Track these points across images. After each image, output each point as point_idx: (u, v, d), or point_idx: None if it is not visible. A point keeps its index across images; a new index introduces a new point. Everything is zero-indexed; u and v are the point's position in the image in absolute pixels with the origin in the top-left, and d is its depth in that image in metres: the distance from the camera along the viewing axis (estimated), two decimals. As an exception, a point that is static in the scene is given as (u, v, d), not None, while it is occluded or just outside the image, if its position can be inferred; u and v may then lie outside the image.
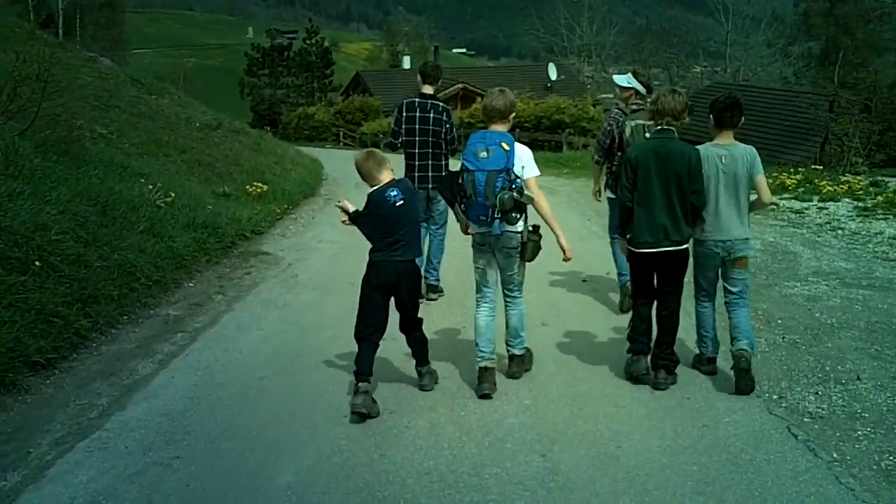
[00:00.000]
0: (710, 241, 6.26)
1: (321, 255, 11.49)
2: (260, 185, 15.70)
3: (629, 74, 8.27)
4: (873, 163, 19.30)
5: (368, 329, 6.05)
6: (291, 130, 55.33)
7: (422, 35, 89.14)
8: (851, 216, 13.37)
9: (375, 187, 6.01)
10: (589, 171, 14.22)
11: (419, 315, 6.36)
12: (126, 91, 22.31)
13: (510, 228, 6.00)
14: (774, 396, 6.00)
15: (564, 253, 6.27)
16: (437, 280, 9.08)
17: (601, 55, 73.25)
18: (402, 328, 6.31)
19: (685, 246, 6.24)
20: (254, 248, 11.87)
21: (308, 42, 69.76)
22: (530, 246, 6.13)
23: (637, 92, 8.06)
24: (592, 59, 73.65)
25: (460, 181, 5.98)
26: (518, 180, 5.92)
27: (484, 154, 5.86)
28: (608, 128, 8.30)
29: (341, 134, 49.59)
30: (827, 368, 6.52)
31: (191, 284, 9.75)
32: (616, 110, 8.39)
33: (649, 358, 6.32)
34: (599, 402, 6.01)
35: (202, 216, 11.81)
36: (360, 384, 5.85)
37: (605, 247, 9.41)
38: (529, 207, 6.06)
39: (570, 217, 13.06)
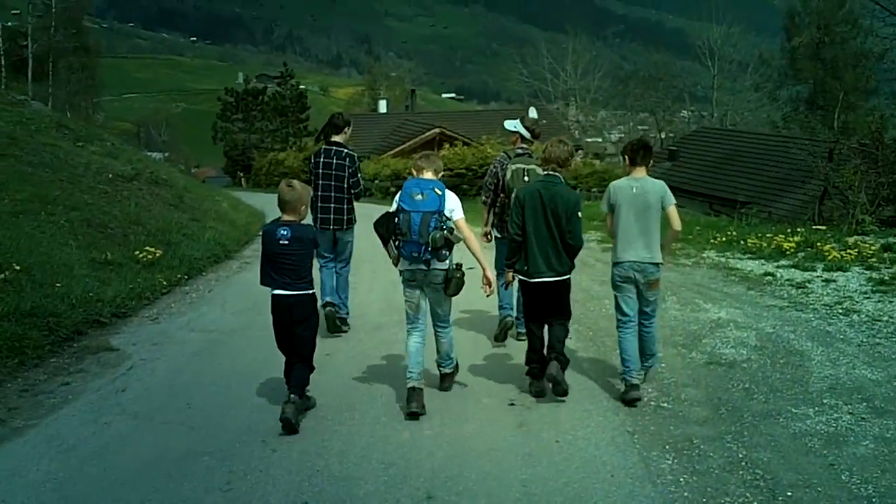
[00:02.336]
0: (626, 263, 6.93)
1: (179, 353, 8.74)
2: (152, 249, 13.00)
3: (518, 120, 8.59)
4: (881, 220, 16.65)
5: (285, 354, 6.70)
6: (262, 176, 52.82)
7: (403, 79, 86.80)
8: (866, 293, 10.69)
9: (273, 221, 6.61)
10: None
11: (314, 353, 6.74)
12: (40, 137, 19.69)
13: (438, 266, 6.62)
14: None
15: (489, 286, 6.91)
16: (347, 314, 9.56)
17: (586, 99, 71.03)
18: (294, 353, 6.64)
19: (567, 276, 7.04)
20: (100, 340, 9.13)
21: (283, 86, 67.29)
22: (454, 282, 6.72)
23: (522, 137, 8.50)
24: (578, 104, 71.50)
25: (396, 221, 6.58)
26: (448, 222, 6.61)
27: (419, 197, 6.54)
28: (494, 170, 8.67)
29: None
30: None
31: (-21, 404, 7.05)
32: (503, 154, 8.78)
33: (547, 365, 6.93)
34: None
35: (40, 298, 9.20)
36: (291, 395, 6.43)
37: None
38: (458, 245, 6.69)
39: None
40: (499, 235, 8.66)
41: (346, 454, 5.85)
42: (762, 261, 13.18)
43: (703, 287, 11.42)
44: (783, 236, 14.40)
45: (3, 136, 17.95)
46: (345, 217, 9.26)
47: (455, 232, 6.65)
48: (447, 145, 35.96)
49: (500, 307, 8.91)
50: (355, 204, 9.50)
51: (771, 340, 8.61)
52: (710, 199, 30.67)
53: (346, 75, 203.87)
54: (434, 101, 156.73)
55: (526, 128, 8.45)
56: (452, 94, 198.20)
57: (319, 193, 9.12)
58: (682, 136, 49.80)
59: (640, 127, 72.77)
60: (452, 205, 6.69)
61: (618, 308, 7.12)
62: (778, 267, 12.58)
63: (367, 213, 9.45)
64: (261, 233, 6.71)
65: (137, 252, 12.81)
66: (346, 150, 9.16)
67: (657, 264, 6.95)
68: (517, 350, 8.19)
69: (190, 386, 7.56)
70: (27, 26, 69.24)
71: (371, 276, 12.77)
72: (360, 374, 7.79)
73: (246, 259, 15.49)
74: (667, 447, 5.88)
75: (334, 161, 9.09)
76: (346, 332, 9.39)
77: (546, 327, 7.13)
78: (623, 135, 72.95)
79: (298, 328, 6.53)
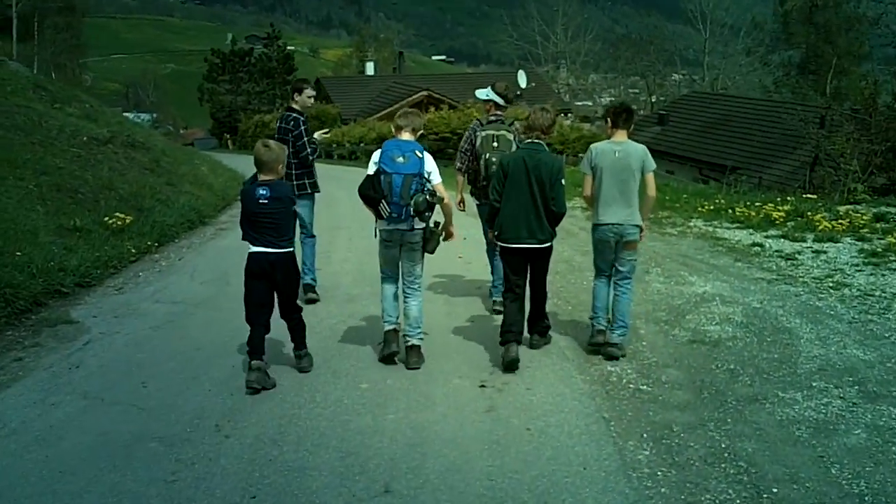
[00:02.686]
0: (605, 226, 7.04)
1: (140, 327, 8.30)
2: (122, 215, 12.57)
3: (489, 88, 8.50)
4: (873, 188, 16.28)
5: (252, 314, 6.63)
6: (249, 138, 52.16)
7: (391, 41, 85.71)
8: (858, 265, 10.34)
9: (252, 182, 6.61)
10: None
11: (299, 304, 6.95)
12: (14, 99, 19.17)
13: (417, 225, 6.76)
14: None
15: (450, 236, 7.12)
16: (313, 280, 9.27)
17: (576, 62, 70.25)
18: (282, 313, 6.80)
19: (549, 244, 7.06)
20: (60, 312, 8.72)
21: (269, 48, 66.42)
22: (434, 238, 6.92)
23: (496, 104, 8.41)
24: (570, 67, 70.72)
25: (378, 182, 6.60)
26: (428, 184, 6.68)
27: (401, 159, 6.60)
28: (468, 136, 8.62)
29: (297, 143, 46.15)
30: None
31: (-79, 383, 6.66)
32: (476, 121, 8.84)
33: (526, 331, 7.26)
34: None
35: (-1, 267, 8.82)
36: (253, 361, 6.46)
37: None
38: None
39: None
40: (477, 202, 8.69)
41: (303, 441, 5.47)
42: (750, 230, 12.82)
43: (688, 258, 11.06)
44: (772, 205, 14.05)
45: (-24, 98, 17.50)
46: (294, 183, 8.98)
47: (437, 194, 6.74)
48: (433, 108, 35.41)
49: (493, 281, 8.83)
50: (316, 169, 9.35)
51: (758, 316, 8.24)
52: (700, 165, 30.32)
53: (336, 37, 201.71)
54: (424, 64, 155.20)
55: (498, 94, 8.39)
56: (443, 57, 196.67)
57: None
58: (672, 99, 49.34)
59: (631, 90, 72.18)
60: (430, 167, 6.78)
61: (595, 265, 7.39)
62: (767, 237, 12.21)
63: (352, 178, 9.21)
64: (240, 192, 6.84)
65: (107, 218, 12.40)
66: (293, 115, 9.08)
67: (636, 226, 7.05)
68: (493, 322, 7.86)
69: (147, 363, 7.16)
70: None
71: (347, 243, 12.38)
72: (325, 351, 7.38)
73: (221, 224, 15.10)
74: (644, 436, 5.52)
75: (281, 125, 9.11)
76: (316, 300, 9.09)
77: (528, 301, 7.25)
78: (613, 98, 72.36)
79: (282, 286, 6.67)
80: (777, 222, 13.04)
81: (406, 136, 6.89)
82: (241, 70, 65.84)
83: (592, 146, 7.21)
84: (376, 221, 6.83)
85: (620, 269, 7.17)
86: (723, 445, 5.36)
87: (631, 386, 6.47)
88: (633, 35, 72.06)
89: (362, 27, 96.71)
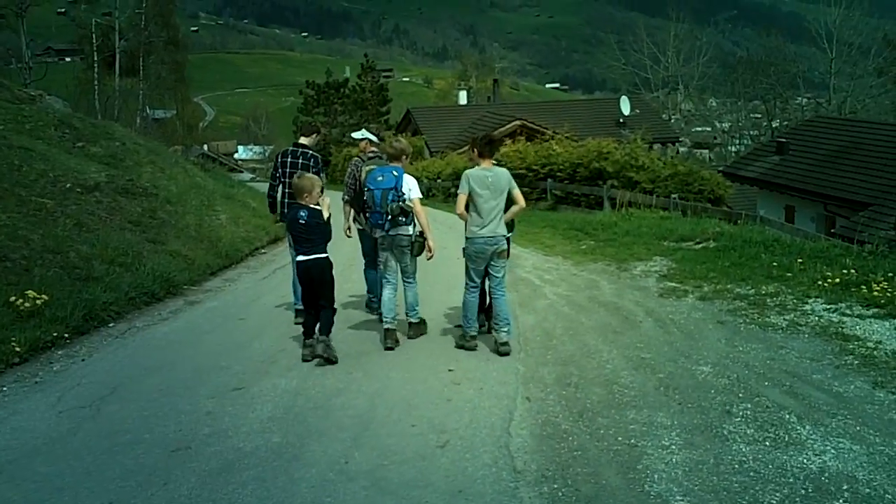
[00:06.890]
0: (482, 239, 8.29)
1: None
2: (34, 294, 9.48)
3: (363, 130, 10.32)
4: None
5: (305, 305, 8.56)
6: (339, 173, 49.62)
7: (494, 69, 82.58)
8: None
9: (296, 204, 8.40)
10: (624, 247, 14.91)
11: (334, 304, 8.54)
12: (16, 139, 16.55)
13: (401, 231, 8.69)
14: None
15: (429, 251, 8.79)
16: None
17: (689, 87, 65.83)
18: (316, 303, 8.39)
19: (507, 236, 8.52)
20: None
21: (363, 78, 64.20)
22: (417, 245, 8.78)
23: (371, 141, 10.02)
24: (685, 92, 66.49)
25: (365, 198, 8.70)
26: (405, 196, 8.54)
27: (380, 178, 8.55)
28: (351, 171, 9.99)
29: (381, 176, 43.24)
30: None
31: None
32: (356, 158, 10.06)
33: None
34: None
35: None
36: (307, 340, 8.35)
37: None
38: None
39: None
40: (360, 227, 10.10)
41: None
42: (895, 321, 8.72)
43: (798, 381, 7.04)
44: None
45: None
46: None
47: (408, 202, 8.56)
48: (517, 139, 31.50)
49: (368, 293, 10.44)
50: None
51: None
52: (825, 200, 26.02)
53: (451, 67, 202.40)
54: (538, 92, 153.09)
55: (373, 133, 10.10)
56: (557, 85, 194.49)
57: (287, 191, 9.85)
58: (795, 124, 44.66)
59: (752, 115, 67.96)
60: (410, 185, 8.68)
61: (469, 276, 8.55)
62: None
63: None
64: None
65: (14, 298, 9.31)
66: (310, 152, 10.17)
67: (505, 236, 8.39)
68: None
69: None
70: (116, 22, 68.47)
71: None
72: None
73: (198, 295, 11.95)
74: None
75: (300, 161, 9.98)
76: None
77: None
78: (731, 124, 68.30)
79: (317, 285, 8.33)
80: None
81: (395, 163, 8.84)
82: (336, 102, 63.91)
83: (467, 172, 8.37)
84: (363, 225, 9.50)
85: (496, 275, 8.47)
86: None
87: None
88: (753, 57, 67.62)
89: (467, 56, 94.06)
